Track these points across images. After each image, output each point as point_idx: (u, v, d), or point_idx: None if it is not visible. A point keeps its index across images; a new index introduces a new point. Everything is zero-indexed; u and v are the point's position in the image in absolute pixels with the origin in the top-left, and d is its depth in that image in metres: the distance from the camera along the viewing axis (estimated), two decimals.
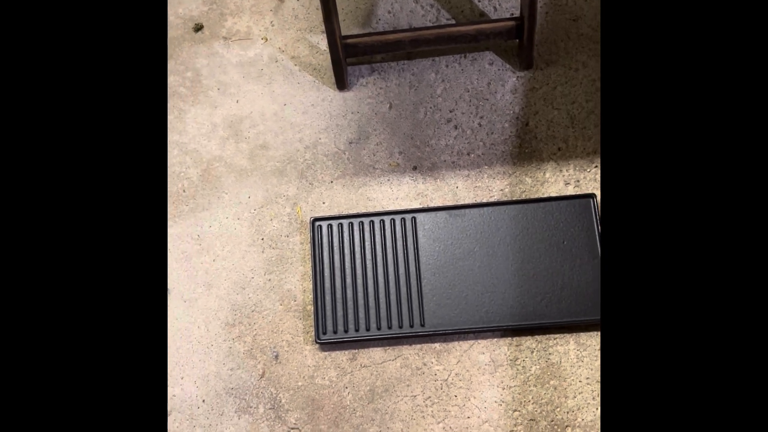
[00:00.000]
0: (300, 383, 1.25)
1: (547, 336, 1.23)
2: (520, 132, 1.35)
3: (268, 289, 1.30)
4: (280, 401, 1.24)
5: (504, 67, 1.39)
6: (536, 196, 1.30)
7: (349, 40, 1.34)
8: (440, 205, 1.32)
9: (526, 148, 1.34)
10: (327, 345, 1.26)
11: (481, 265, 1.26)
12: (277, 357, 1.26)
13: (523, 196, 1.31)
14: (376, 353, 1.25)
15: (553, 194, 1.30)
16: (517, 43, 1.38)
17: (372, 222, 1.30)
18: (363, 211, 1.33)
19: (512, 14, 1.43)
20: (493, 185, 1.32)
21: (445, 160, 1.34)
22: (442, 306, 1.24)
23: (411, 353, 1.25)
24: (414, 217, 1.29)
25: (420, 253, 1.27)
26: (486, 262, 1.26)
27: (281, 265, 1.31)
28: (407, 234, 1.29)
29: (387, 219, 1.30)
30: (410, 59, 1.42)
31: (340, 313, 1.25)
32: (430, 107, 1.38)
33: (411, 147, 1.36)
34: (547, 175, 1.32)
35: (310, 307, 1.26)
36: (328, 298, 1.26)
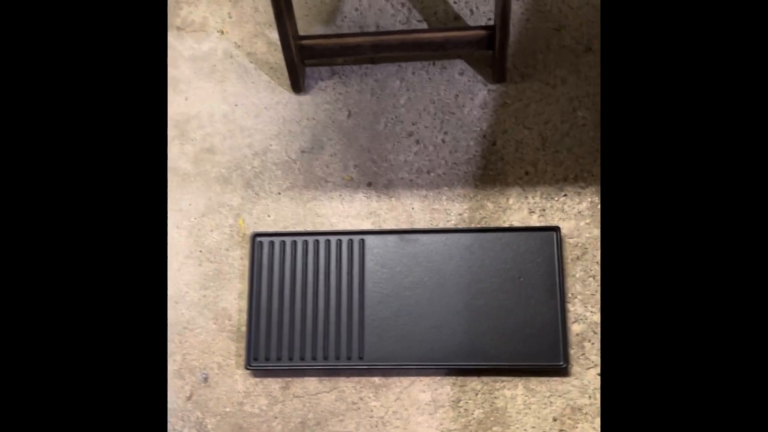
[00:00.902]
0: (228, 409, 1.17)
1: (495, 378, 1.14)
2: (486, 152, 1.24)
3: (203, 306, 1.22)
4: (206, 426, 1.17)
5: (475, 78, 1.28)
6: (497, 224, 1.20)
7: (305, 41, 1.23)
8: (392, 227, 1.22)
9: (491, 170, 1.23)
10: (259, 371, 1.18)
11: (430, 297, 1.16)
12: (206, 379, 1.19)
13: (483, 223, 1.20)
14: (311, 383, 1.17)
15: (516, 223, 1.20)
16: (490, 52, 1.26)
17: (317, 242, 1.20)
18: (310, 228, 1.23)
19: (489, 20, 1.30)
20: (451, 208, 1.22)
21: (402, 178, 1.24)
22: (384, 338, 1.15)
23: (348, 386, 1.16)
24: (363, 240, 1.20)
25: (366, 279, 1.18)
26: (435, 293, 1.16)
27: (218, 280, 1.22)
28: (354, 257, 1.19)
29: (333, 239, 1.20)
30: (374, 63, 1.30)
31: (274, 338, 1.16)
32: (392, 118, 1.27)
33: (367, 161, 1.26)
34: (511, 201, 1.21)
35: (245, 329, 1.17)
36: (263, 321, 1.17)
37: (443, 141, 1.25)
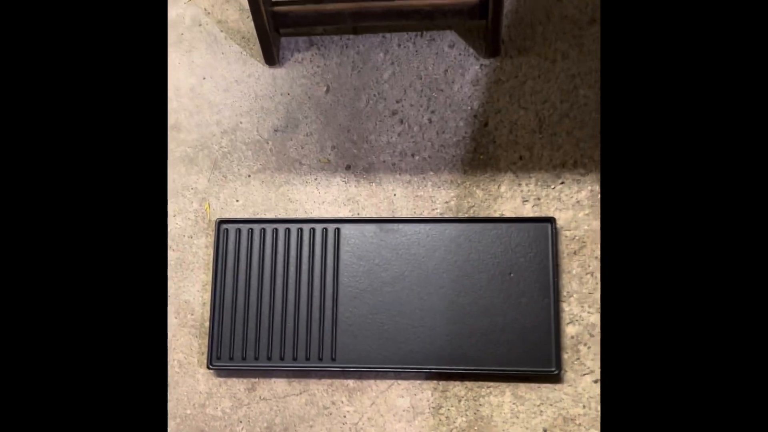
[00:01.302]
0: (189, 411, 1.07)
1: (480, 384, 1.04)
2: (477, 133, 1.12)
3: None
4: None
5: (466, 51, 1.15)
6: (486, 213, 1.09)
7: (279, 8, 1.10)
8: (371, 216, 1.11)
9: (482, 154, 1.11)
10: (223, 371, 1.08)
11: (411, 293, 1.05)
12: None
13: (471, 213, 1.09)
14: (279, 385, 1.07)
15: (507, 213, 1.08)
16: (483, 23, 1.13)
17: (288, 230, 1.09)
18: (282, 214, 1.12)
19: None
20: (437, 196, 1.10)
21: (384, 161, 1.13)
22: (360, 338, 1.05)
23: (319, 389, 1.06)
24: (338, 229, 1.09)
25: (340, 272, 1.07)
26: (416, 290, 1.05)
27: (181, 271, 1.12)
28: (328, 248, 1.08)
29: (306, 228, 1.09)
30: (356, 34, 1.18)
31: (239, 336, 1.06)
32: (374, 95, 1.15)
33: (346, 141, 1.14)
34: (503, 188, 1.09)
35: (209, 324, 1.07)
36: (227, 316, 1.07)
37: (430, 121, 1.13)
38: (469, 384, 1.04)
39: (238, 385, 1.08)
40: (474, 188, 1.10)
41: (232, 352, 1.06)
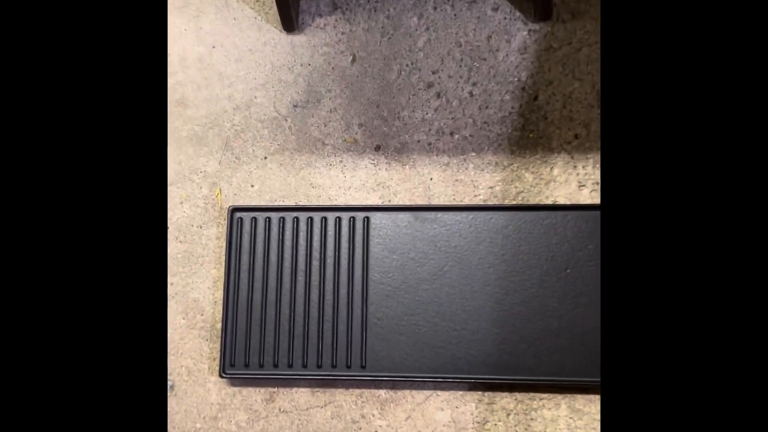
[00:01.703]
0: (199, 425, 0.95)
1: (531, 396, 0.91)
2: (526, 108, 0.98)
3: (169, 297, 0.98)
4: None
5: (512, 15, 1.01)
6: (537, 200, 0.95)
7: None
8: (405, 203, 0.97)
9: (531, 132, 0.97)
10: (237, 379, 0.95)
11: (451, 291, 0.92)
12: (172, 387, 0.96)
13: (520, 199, 0.95)
14: (301, 396, 0.94)
15: (561, 200, 0.95)
16: None
17: (311, 219, 0.96)
18: (302, 201, 0.99)
19: None
20: (480, 180, 0.97)
21: (419, 141, 0.99)
22: (392, 343, 0.92)
23: (346, 400, 0.93)
24: (367, 218, 0.95)
25: (370, 267, 0.94)
26: (458, 288, 0.92)
27: (189, 265, 0.99)
28: (356, 239, 0.95)
29: (331, 217, 0.96)
30: None
31: (255, 340, 0.93)
32: (407, 65, 1.01)
33: (375, 118, 1.00)
34: (556, 171, 0.96)
35: (221, 326, 0.94)
36: (242, 318, 0.94)
37: (471, 94, 0.99)
38: (519, 395, 0.91)
39: (255, 395, 0.95)
40: (523, 171, 0.96)
41: (247, 359, 0.93)
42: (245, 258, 0.95)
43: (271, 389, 0.95)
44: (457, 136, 0.98)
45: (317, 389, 0.94)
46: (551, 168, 0.96)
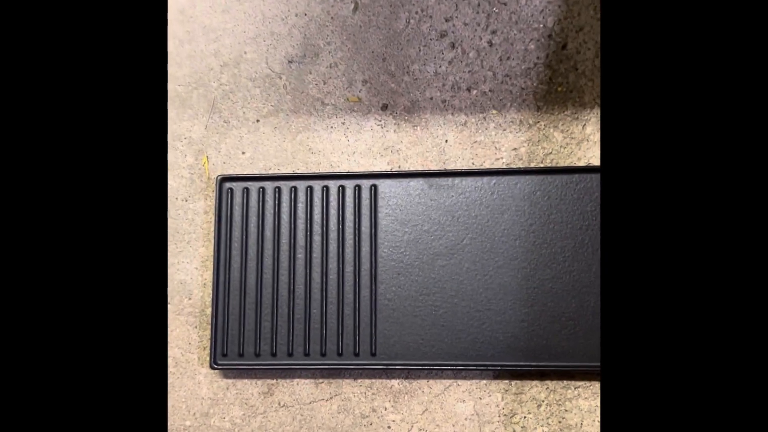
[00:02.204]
0: (189, 423, 0.84)
1: (565, 384, 0.80)
2: (553, 58, 0.86)
3: None
4: None
5: None
6: (568, 162, 0.83)
7: None
8: (417, 169, 0.86)
9: (560, 85, 0.85)
10: (231, 371, 0.84)
11: (472, 267, 0.81)
12: None
13: (549, 162, 0.84)
14: (304, 387, 0.83)
15: (595, 161, 0.83)
16: None
17: (310, 189, 0.84)
18: (301, 169, 0.87)
19: None
20: (502, 141, 0.85)
21: (431, 98, 0.87)
22: (406, 327, 0.80)
23: (355, 392, 0.83)
24: (374, 186, 0.84)
25: (378, 242, 0.83)
26: (479, 263, 0.81)
27: (175, 243, 0.88)
28: (362, 211, 0.83)
29: (333, 185, 0.84)
30: None
31: (250, 326, 0.82)
32: (417, 12, 0.89)
33: (382, 74, 0.88)
34: (589, 130, 0.84)
35: (211, 311, 0.83)
36: (234, 302, 0.83)
37: (490, 44, 0.87)
38: (551, 384, 0.80)
39: (251, 388, 0.84)
40: (551, 130, 0.84)
41: (242, 347, 0.82)
42: (237, 234, 0.84)
43: (269, 381, 0.84)
44: (475, 92, 0.86)
45: (321, 380, 0.83)
46: (583, 125, 0.84)
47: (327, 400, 0.83)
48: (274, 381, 0.84)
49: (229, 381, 0.84)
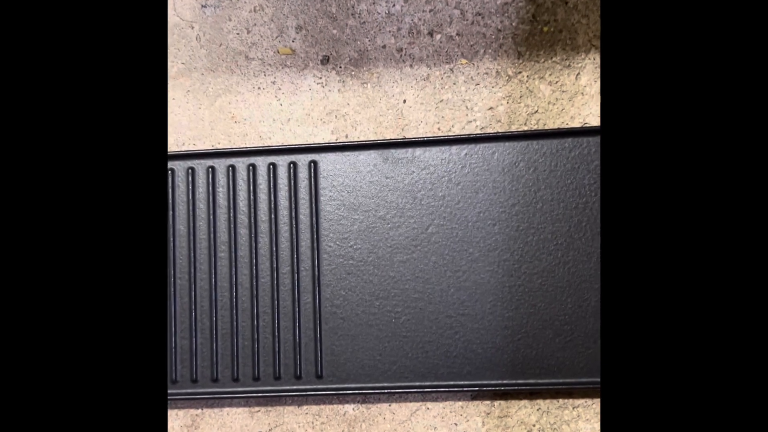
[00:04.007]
0: None
1: (562, 403, 0.64)
2: None
3: None
4: None
5: None
6: (559, 123, 0.66)
7: None
8: (368, 139, 0.68)
9: (546, 24, 0.67)
10: None
11: (440, 262, 0.64)
12: None
13: (534, 124, 0.66)
14: (236, 418, 0.67)
15: (593, 120, 0.65)
16: None
17: (232, 168, 0.66)
18: (222, 143, 0.69)
19: None
20: (474, 99, 0.67)
21: (384, 46, 0.68)
22: (359, 341, 0.64)
23: (299, 422, 0.66)
24: (314, 162, 0.66)
25: (321, 233, 0.65)
26: (450, 257, 0.64)
27: None
28: (299, 194, 0.66)
29: (263, 163, 0.66)
30: None
31: (169, 344, 0.65)
32: None
33: (320, 17, 0.69)
34: (584, 80, 0.66)
35: None
36: None
37: None
38: (543, 404, 0.64)
39: (171, 421, 0.67)
40: (536, 82, 0.66)
41: None
42: None
43: (193, 411, 0.67)
44: (438, 36, 0.68)
45: (257, 408, 0.67)
46: (577, 75, 0.66)
47: None
48: (199, 411, 0.67)
49: None
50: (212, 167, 0.66)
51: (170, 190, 0.66)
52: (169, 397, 0.65)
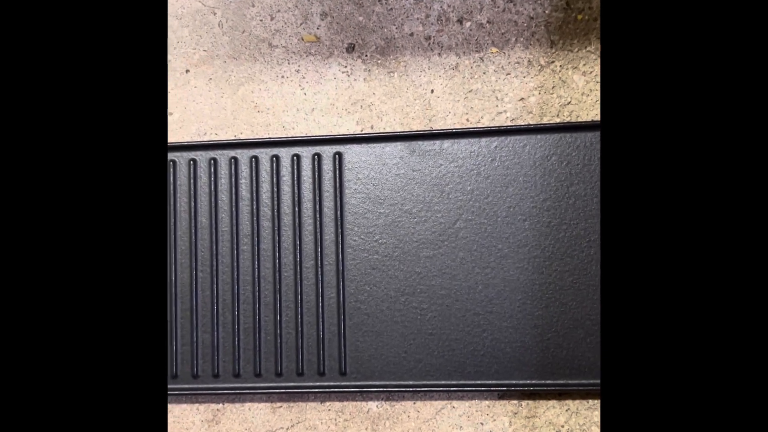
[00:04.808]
0: None
1: (591, 404, 0.62)
2: None
3: None
4: None
5: None
6: (592, 116, 0.63)
7: None
8: (394, 130, 0.66)
9: (581, 12, 0.64)
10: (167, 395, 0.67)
11: (468, 258, 0.62)
12: None
13: (566, 116, 0.64)
14: (258, 413, 0.66)
15: None
16: None
17: (255, 159, 0.65)
18: (245, 133, 0.67)
19: None
20: (505, 89, 0.65)
21: (412, 34, 0.66)
22: (384, 337, 0.62)
23: (323, 418, 0.65)
24: (339, 153, 0.64)
25: (346, 227, 0.64)
26: (478, 253, 0.62)
27: None
28: (323, 187, 0.64)
29: (286, 154, 0.65)
30: None
31: (185, 340, 0.64)
32: None
33: (346, 3, 0.67)
34: None
35: None
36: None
37: None
38: (572, 405, 0.62)
39: (191, 415, 0.67)
40: (569, 71, 0.64)
41: (176, 367, 0.64)
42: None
43: (214, 406, 0.66)
44: (468, 24, 0.65)
45: (279, 404, 0.66)
46: None
47: (287, 429, 0.65)
48: (220, 405, 0.66)
49: (168, 405, 0.67)
50: (235, 158, 0.65)
51: (192, 181, 0.65)
52: (190, 392, 0.64)
